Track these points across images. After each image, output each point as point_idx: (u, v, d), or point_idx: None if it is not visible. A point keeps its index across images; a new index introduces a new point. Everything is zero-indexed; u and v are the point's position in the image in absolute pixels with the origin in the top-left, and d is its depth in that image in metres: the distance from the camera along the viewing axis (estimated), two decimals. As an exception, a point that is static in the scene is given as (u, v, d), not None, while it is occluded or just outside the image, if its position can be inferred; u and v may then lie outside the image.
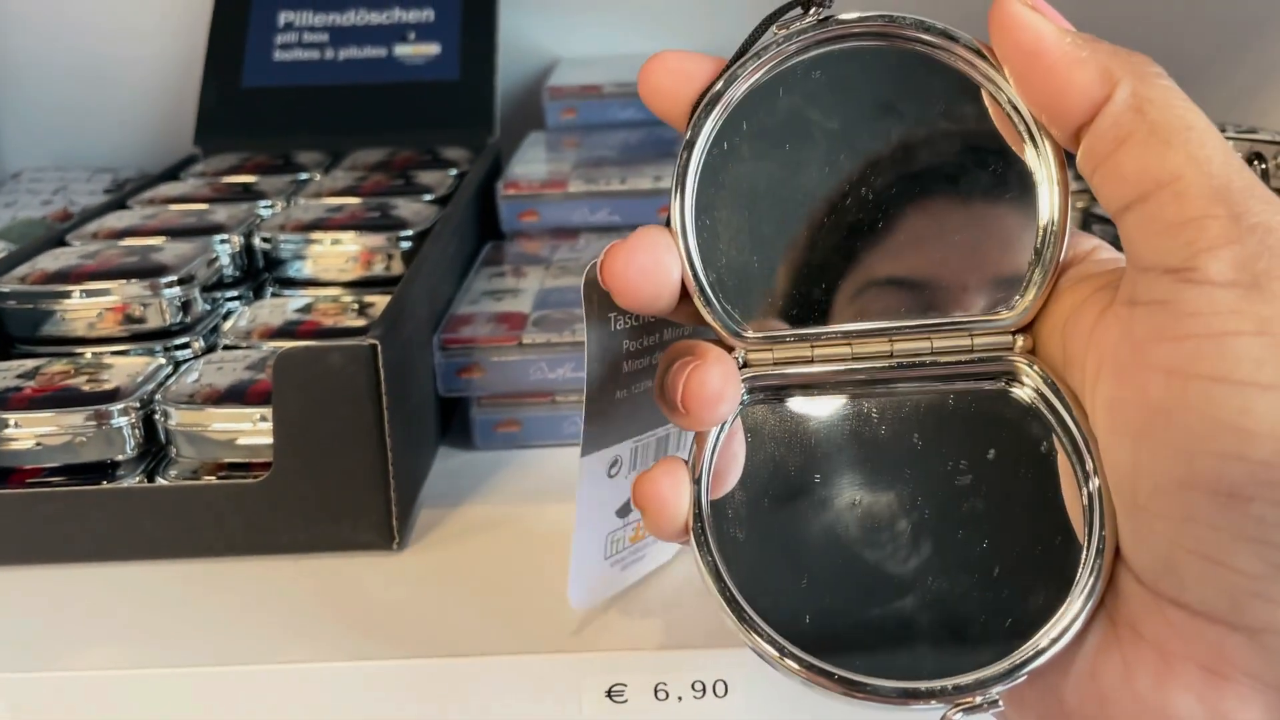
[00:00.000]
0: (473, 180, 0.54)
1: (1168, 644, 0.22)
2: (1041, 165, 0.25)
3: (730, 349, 0.26)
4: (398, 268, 0.47)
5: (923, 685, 0.24)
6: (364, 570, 0.36)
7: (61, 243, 0.48)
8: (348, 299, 0.45)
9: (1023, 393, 0.26)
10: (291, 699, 0.33)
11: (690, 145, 0.25)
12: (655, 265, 0.25)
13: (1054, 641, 0.24)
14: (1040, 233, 0.26)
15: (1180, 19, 0.64)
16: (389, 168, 0.57)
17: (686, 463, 0.26)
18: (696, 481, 0.25)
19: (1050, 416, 0.25)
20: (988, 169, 0.26)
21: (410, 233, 0.47)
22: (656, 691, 0.32)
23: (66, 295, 0.42)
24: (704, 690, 0.32)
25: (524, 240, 0.54)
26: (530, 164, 0.57)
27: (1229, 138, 0.45)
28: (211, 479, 0.38)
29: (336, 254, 0.47)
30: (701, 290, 0.26)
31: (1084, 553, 0.24)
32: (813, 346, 0.26)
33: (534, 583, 0.35)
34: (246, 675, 0.33)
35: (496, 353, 0.42)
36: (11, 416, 0.37)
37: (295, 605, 0.35)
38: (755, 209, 0.26)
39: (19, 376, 0.39)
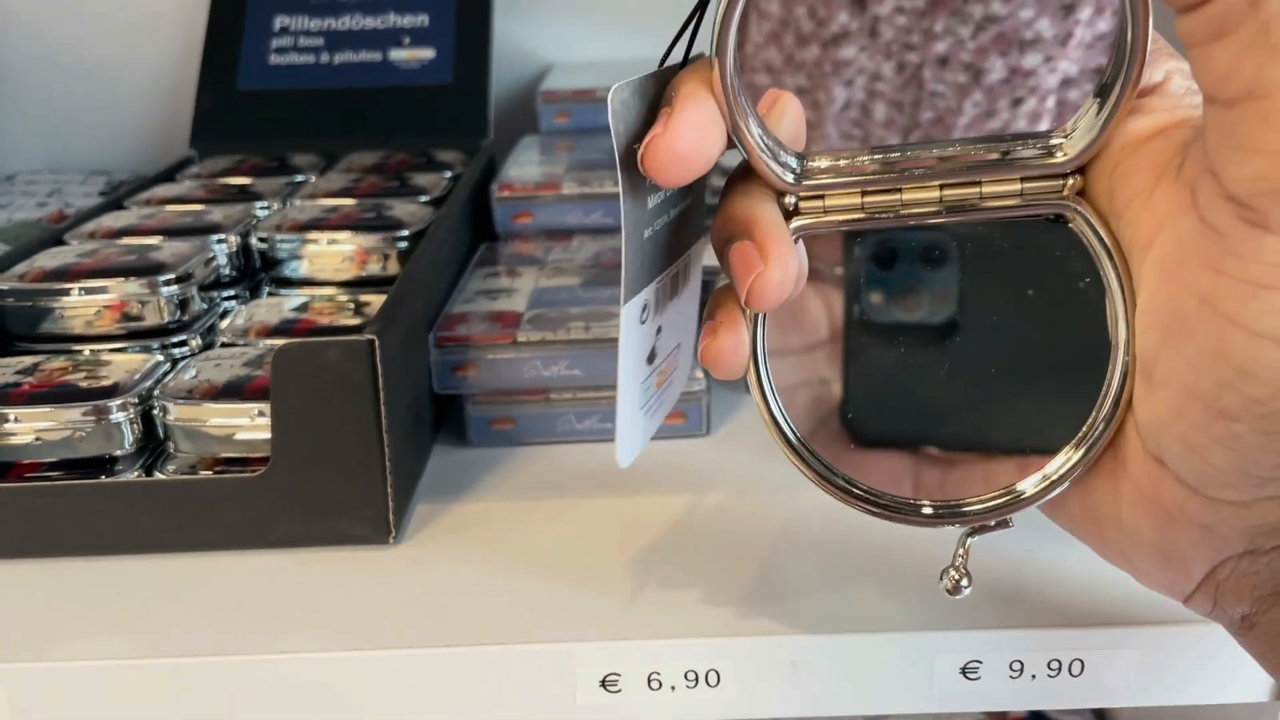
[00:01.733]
0: (467, 182, 0.54)
1: (1144, 485, 0.25)
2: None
3: (783, 194, 0.27)
4: (394, 268, 0.48)
5: (950, 504, 0.27)
6: (361, 564, 0.37)
7: (59, 242, 0.48)
8: (343, 298, 0.46)
9: (1070, 235, 0.26)
10: (289, 691, 0.33)
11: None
12: (697, 150, 0.25)
13: (1063, 478, 0.27)
14: (1105, 72, 0.25)
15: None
16: (384, 170, 0.58)
17: (742, 308, 0.27)
18: (754, 326, 0.27)
19: (1095, 264, 0.26)
20: None
21: (406, 233, 0.47)
22: (650, 681, 0.33)
23: (65, 293, 0.42)
24: (697, 680, 0.33)
25: (518, 241, 0.54)
26: (524, 166, 0.57)
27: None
28: (209, 474, 0.38)
29: (333, 254, 0.48)
30: (756, 147, 0.26)
31: (1101, 400, 0.26)
32: (863, 194, 0.26)
33: (528, 575, 0.36)
34: (244, 667, 0.33)
35: (491, 350, 0.43)
36: (11, 411, 0.37)
37: (292, 598, 0.35)
38: (802, 63, 0.27)
39: (18, 373, 0.40)
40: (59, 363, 0.41)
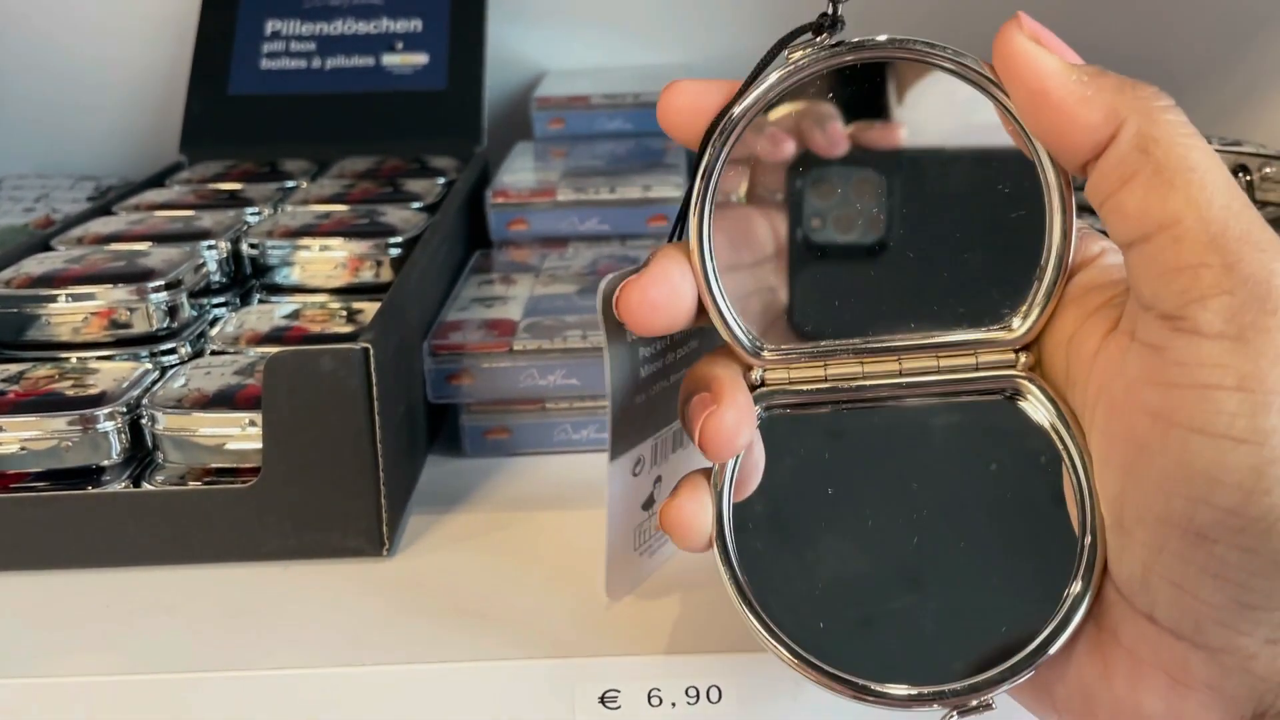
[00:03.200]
0: (461, 188, 0.54)
1: (1140, 651, 0.24)
2: (1047, 191, 0.26)
3: (749, 367, 0.27)
4: (386, 274, 0.47)
5: (927, 690, 0.25)
6: (354, 577, 0.36)
7: (46, 247, 0.48)
8: (335, 305, 0.45)
9: (1025, 409, 0.27)
10: (281, 707, 0.32)
11: (708, 171, 0.26)
12: (670, 298, 0.26)
13: (1044, 649, 0.25)
14: (1044, 256, 0.26)
15: (1169, 30, 0.65)
16: (377, 176, 0.57)
17: (708, 480, 0.27)
18: (718, 499, 0.27)
19: (1050, 434, 0.26)
20: (994, 190, 0.27)
21: (399, 240, 0.47)
22: (650, 697, 0.32)
23: (52, 299, 0.42)
24: (698, 696, 0.32)
25: (512, 248, 0.54)
26: (518, 173, 0.57)
27: (1215, 150, 0.45)
28: (199, 485, 0.37)
29: (324, 260, 0.47)
30: (720, 314, 0.27)
31: (1076, 567, 0.25)
32: (826, 365, 0.28)
33: (525, 589, 0.35)
34: (235, 682, 0.32)
35: (487, 359, 0.42)
36: (-3, 419, 0.37)
37: (284, 612, 0.34)
38: (771, 232, 0.27)
39: (3, 380, 0.39)
40: (45, 370, 0.40)
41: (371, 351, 0.34)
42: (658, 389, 0.31)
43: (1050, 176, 0.26)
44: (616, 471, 0.31)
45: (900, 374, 0.27)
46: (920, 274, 0.27)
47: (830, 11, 0.26)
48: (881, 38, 0.26)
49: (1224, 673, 0.23)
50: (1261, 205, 0.44)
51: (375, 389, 0.35)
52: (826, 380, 0.27)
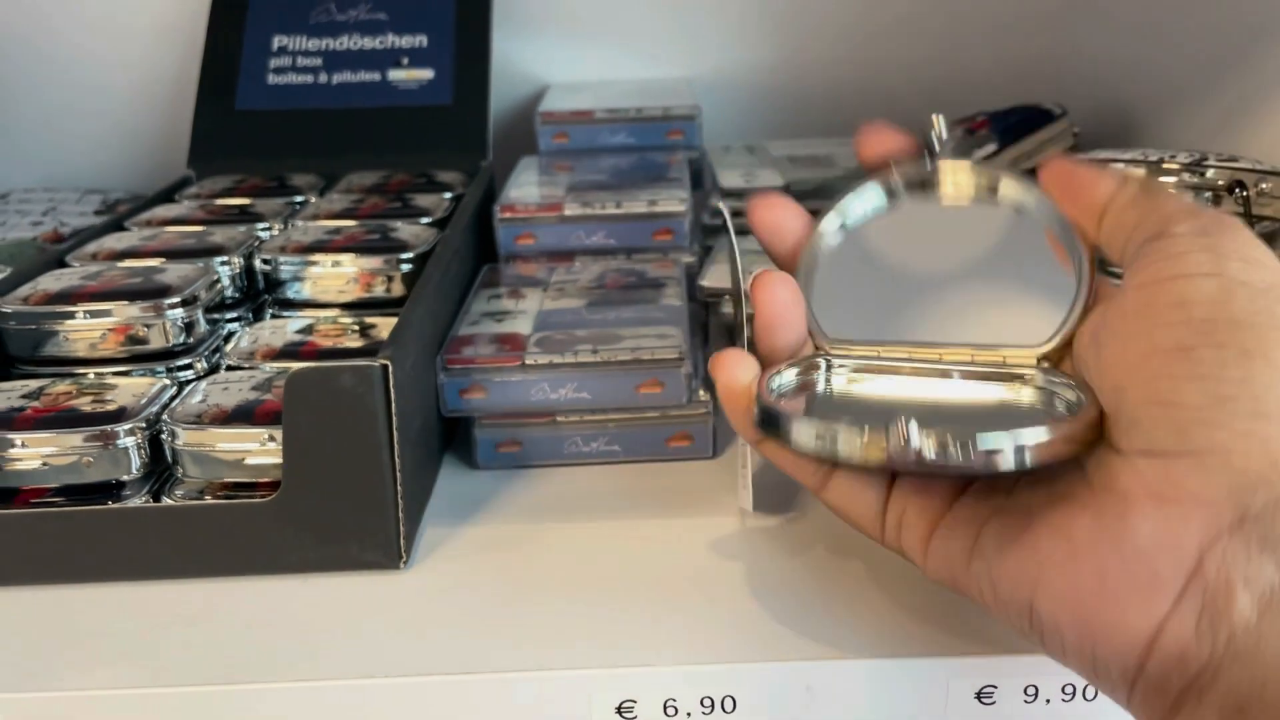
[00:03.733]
0: (469, 204, 0.54)
1: (1131, 488, 0.26)
2: (1075, 270, 0.33)
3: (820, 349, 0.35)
4: (397, 289, 0.48)
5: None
6: (372, 589, 0.37)
7: (61, 263, 0.48)
8: (347, 320, 0.45)
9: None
10: (303, 717, 0.33)
11: (814, 252, 0.36)
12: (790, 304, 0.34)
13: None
14: (1066, 312, 0.33)
15: (1164, 44, 0.66)
16: (385, 190, 0.58)
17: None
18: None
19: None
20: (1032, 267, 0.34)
21: (410, 255, 0.47)
22: (666, 707, 0.33)
23: (70, 316, 0.42)
24: (713, 705, 0.33)
25: (520, 262, 0.54)
26: (524, 187, 0.58)
27: (1210, 166, 0.46)
28: (219, 499, 0.38)
29: (336, 275, 0.48)
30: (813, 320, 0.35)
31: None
32: (879, 351, 0.34)
33: (541, 601, 0.36)
34: (255, 694, 0.33)
35: (499, 373, 0.43)
36: (17, 436, 0.37)
37: (304, 624, 0.35)
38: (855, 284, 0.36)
39: (23, 397, 0.39)
40: (64, 386, 0.40)
41: (390, 368, 0.35)
42: None
43: (1083, 260, 0.33)
44: None
45: (940, 360, 0.34)
46: (964, 317, 0.34)
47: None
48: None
49: (1207, 475, 0.25)
50: (1257, 220, 0.45)
51: (394, 404, 0.36)
52: (879, 357, 0.34)
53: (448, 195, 0.57)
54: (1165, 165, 0.47)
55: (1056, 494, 0.28)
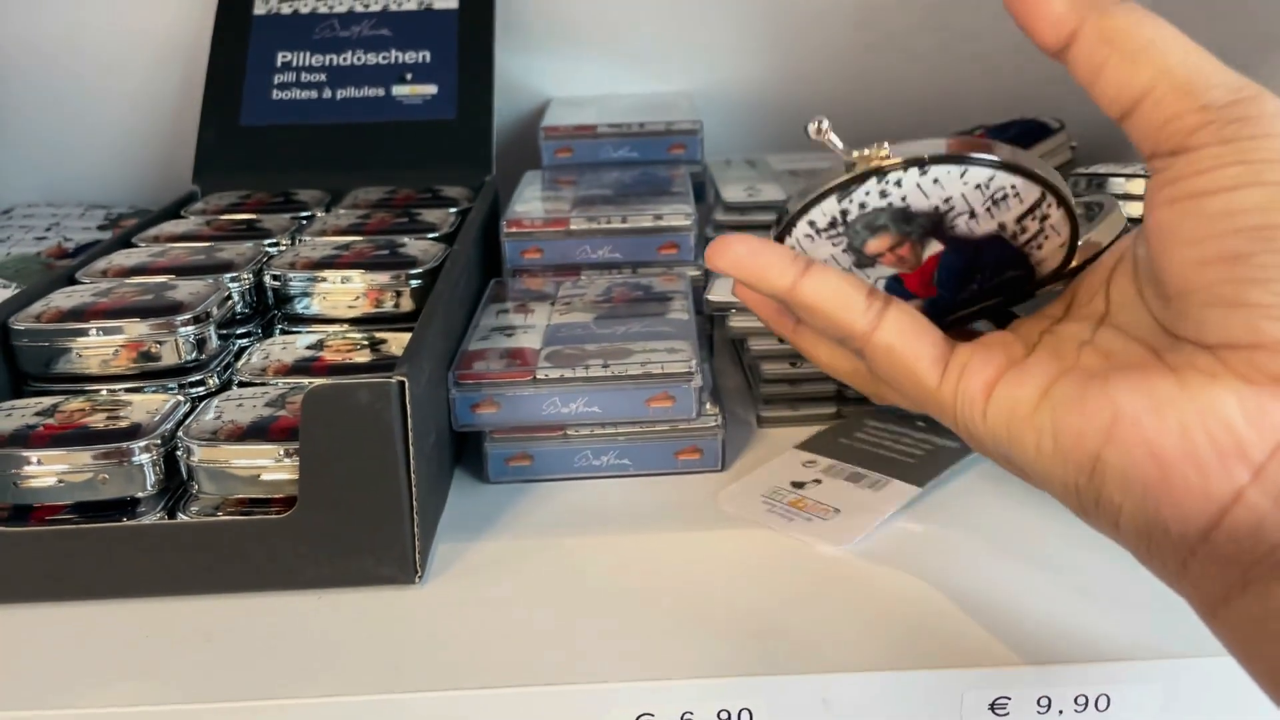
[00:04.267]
0: (475, 219, 0.55)
1: (1214, 368, 0.27)
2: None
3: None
4: (406, 304, 0.48)
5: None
6: (388, 604, 0.37)
7: (71, 280, 0.48)
8: (358, 336, 0.46)
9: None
10: (322, 732, 0.33)
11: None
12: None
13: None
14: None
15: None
16: (391, 205, 0.58)
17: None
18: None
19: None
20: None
21: (419, 270, 0.48)
22: (683, 720, 0.33)
23: (82, 333, 0.42)
24: (730, 718, 0.33)
25: (527, 276, 0.55)
26: (529, 202, 0.58)
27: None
28: (235, 515, 0.38)
29: (346, 291, 0.48)
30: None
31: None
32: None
33: (556, 615, 0.36)
34: (272, 711, 0.33)
35: (510, 388, 0.43)
36: (32, 454, 0.37)
37: (321, 640, 0.35)
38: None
39: (37, 414, 0.40)
40: (78, 403, 0.40)
41: (407, 384, 0.35)
42: None
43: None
44: None
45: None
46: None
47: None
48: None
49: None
50: None
51: (410, 420, 0.36)
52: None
53: (453, 210, 0.57)
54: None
55: (1134, 365, 0.28)
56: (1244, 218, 0.26)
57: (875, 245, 0.34)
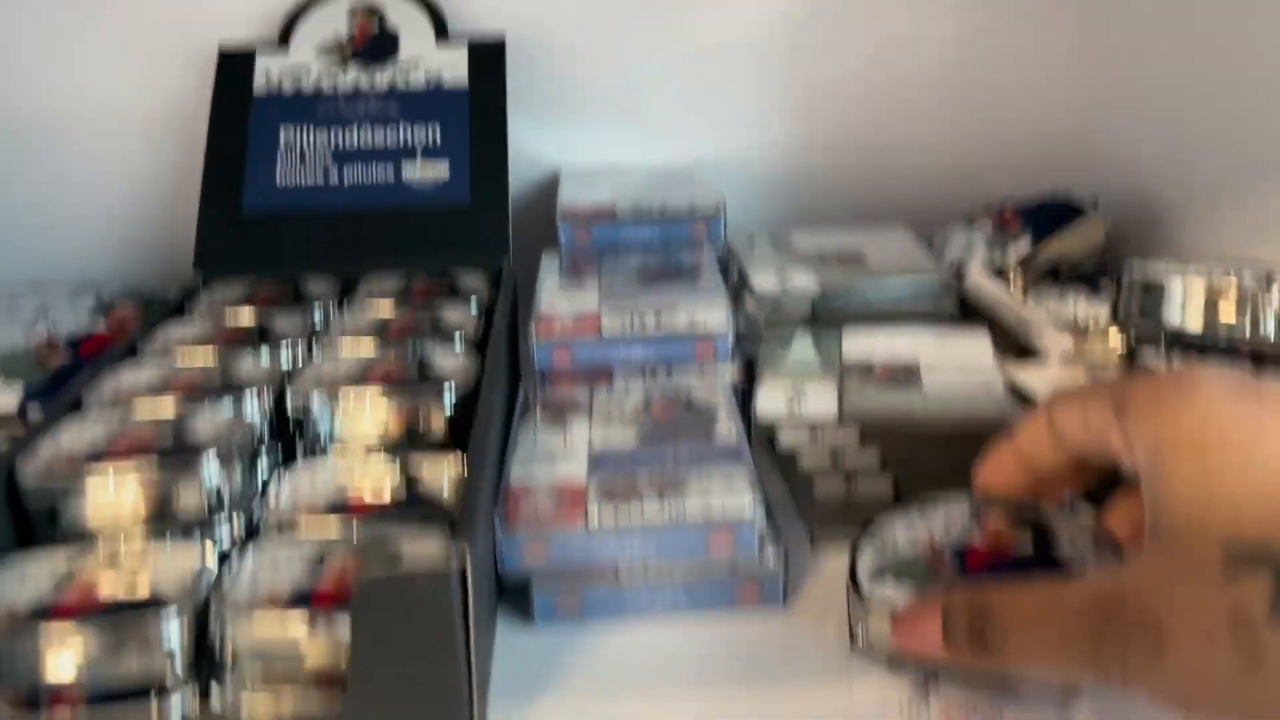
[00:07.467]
0: (501, 323, 0.52)
1: None
2: None
3: None
4: (437, 425, 0.45)
5: None
6: (446, 793, 0.34)
7: (78, 404, 0.45)
8: (389, 462, 0.43)
9: None
10: None
11: None
12: None
13: None
14: None
15: (1202, 141, 0.65)
16: (409, 300, 0.55)
17: None
18: None
19: None
20: None
21: (452, 397, 0.45)
22: None
23: (98, 479, 0.39)
24: None
25: (558, 380, 0.52)
26: (552, 295, 0.55)
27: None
28: (270, 688, 0.35)
29: (374, 415, 0.45)
30: None
31: None
32: None
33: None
34: None
35: (561, 533, 0.40)
36: (53, 633, 0.34)
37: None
38: None
39: (53, 581, 0.36)
40: (93, 563, 0.37)
41: (469, 574, 0.33)
42: None
43: None
44: None
45: None
46: None
47: None
48: None
49: None
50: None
51: (470, 604, 0.33)
52: None
53: (473, 301, 0.54)
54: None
55: None
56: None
57: None
